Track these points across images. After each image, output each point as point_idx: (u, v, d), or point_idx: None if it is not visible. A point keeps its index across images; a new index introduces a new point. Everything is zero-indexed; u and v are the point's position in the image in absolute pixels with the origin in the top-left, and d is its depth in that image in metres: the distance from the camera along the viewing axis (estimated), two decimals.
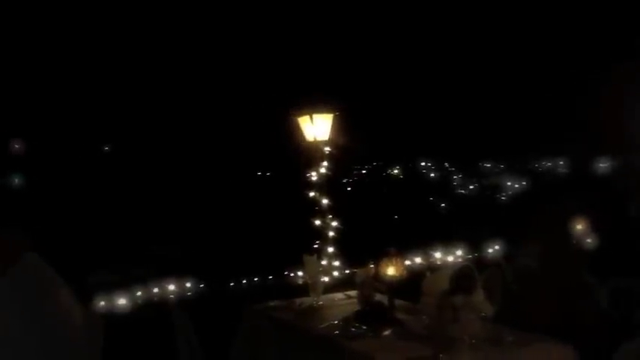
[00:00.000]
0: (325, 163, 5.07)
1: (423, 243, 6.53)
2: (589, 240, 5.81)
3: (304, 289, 4.73)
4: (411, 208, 19.64)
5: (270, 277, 5.38)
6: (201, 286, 5.58)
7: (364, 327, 3.78)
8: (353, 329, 3.79)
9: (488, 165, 31.19)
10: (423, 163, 31.58)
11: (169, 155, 17.91)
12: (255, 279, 5.74)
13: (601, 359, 3.31)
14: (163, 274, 5.68)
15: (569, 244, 5.57)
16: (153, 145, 18.15)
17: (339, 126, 5.24)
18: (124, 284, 5.29)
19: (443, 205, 24.27)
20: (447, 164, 31.45)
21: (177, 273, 5.69)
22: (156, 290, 5.39)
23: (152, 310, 5.15)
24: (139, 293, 5.26)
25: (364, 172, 29.88)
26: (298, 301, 4.55)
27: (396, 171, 30.47)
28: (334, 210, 5.13)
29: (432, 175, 31.51)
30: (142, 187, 15.27)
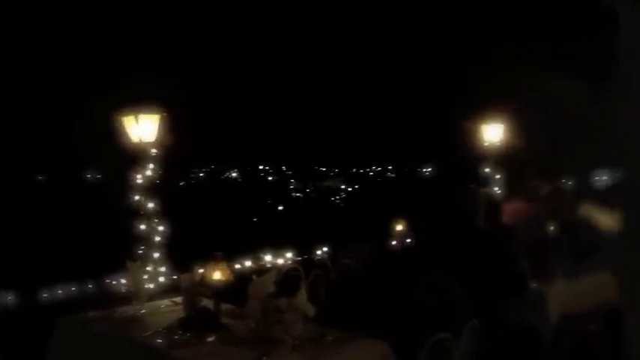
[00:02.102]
0: (152, 166, 4.87)
1: (256, 246, 6.56)
2: (408, 239, 6.24)
3: (128, 297, 4.51)
4: (248, 211, 19.70)
5: (90, 285, 5.06)
6: (9, 298, 5.08)
7: (188, 334, 3.69)
8: (176, 337, 3.67)
9: (324, 169, 32.33)
10: (261, 167, 31.90)
11: None
12: (73, 288, 5.36)
13: (413, 350, 3.53)
14: None
15: (389, 244, 5.92)
16: None
17: (173, 127, 5.08)
18: None
19: (280, 207, 24.67)
20: (284, 168, 32.06)
21: None
22: None
23: None
24: None
25: (202, 174, 29.46)
26: (120, 310, 4.32)
27: (234, 174, 30.46)
28: (162, 214, 4.96)
29: (270, 178, 31.95)
30: None
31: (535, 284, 4.65)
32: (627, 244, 1.45)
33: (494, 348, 4.10)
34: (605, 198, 5.70)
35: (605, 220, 4.96)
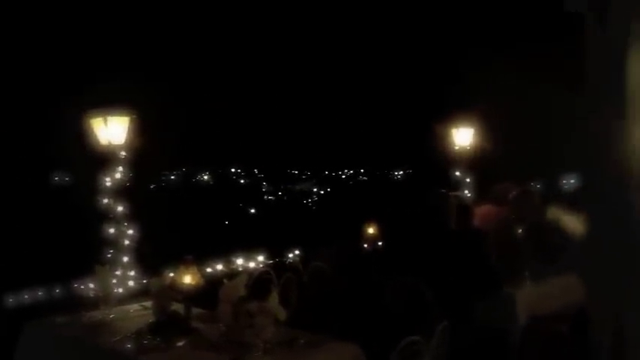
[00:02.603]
0: (121, 168, 4.80)
1: (227, 249, 6.51)
2: (380, 242, 6.26)
3: (96, 302, 4.43)
4: (220, 214, 19.58)
5: (57, 289, 4.96)
6: None
7: (158, 339, 3.64)
8: (145, 342, 3.63)
9: (296, 172, 32.32)
10: (233, 170, 31.75)
11: None
12: (40, 292, 5.24)
13: (384, 352, 3.54)
14: None
15: (361, 247, 5.94)
16: None
17: (143, 130, 5.02)
18: None
19: (252, 210, 24.58)
20: (256, 171, 31.97)
21: None
22: None
23: None
24: None
25: (173, 177, 29.21)
26: (88, 314, 4.25)
27: (206, 177, 30.24)
28: (131, 217, 4.89)
29: (242, 181, 31.83)
30: None
31: (504, 286, 4.71)
32: (589, 245, 1.48)
33: (464, 350, 4.14)
34: (572, 201, 5.80)
35: (572, 222, 5.04)
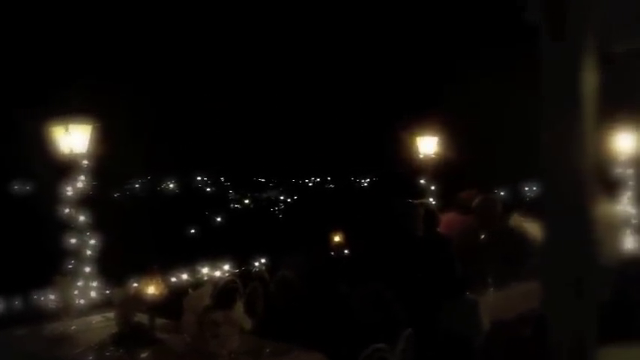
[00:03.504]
0: (83, 177, 4.72)
1: (193, 258, 6.44)
2: (346, 250, 6.28)
3: (57, 314, 4.35)
4: (185, 223, 19.37)
5: (17, 301, 4.83)
6: None
7: (121, 350, 3.60)
8: (108, 353, 3.57)
9: (262, 180, 32.22)
10: (199, 178, 31.48)
11: None
12: None
13: None
14: None
15: (327, 255, 5.95)
16: None
17: (107, 138, 4.94)
18: None
19: (218, 219, 24.39)
20: (222, 179, 31.76)
21: None
22: None
23: None
24: None
25: (137, 186, 28.81)
26: (49, 326, 4.16)
27: (171, 185, 29.91)
28: (94, 226, 4.80)
29: (209, 189, 31.58)
30: None
31: (468, 292, 4.77)
32: (545, 252, 1.52)
33: (429, 356, 4.17)
34: (533, 208, 5.91)
35: (534, 228, 5.14)
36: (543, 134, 1.47)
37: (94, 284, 4.65)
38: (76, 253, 4.62)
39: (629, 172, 6.58)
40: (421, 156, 7.26)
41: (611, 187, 5.92)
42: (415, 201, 5.63)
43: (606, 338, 1.61)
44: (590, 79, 1.48)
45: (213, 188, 31.05)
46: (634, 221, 6.23)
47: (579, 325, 1.46)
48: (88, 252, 4.69)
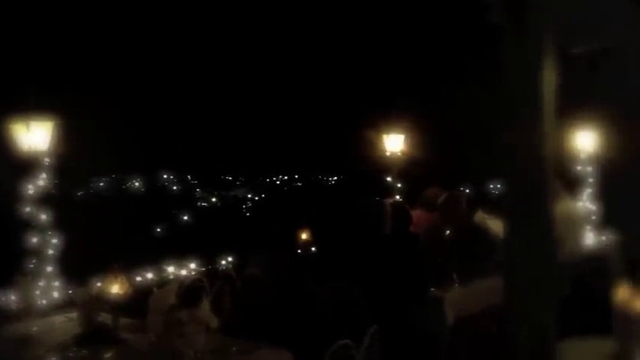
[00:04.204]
0: (44, 175, 4.62)
1: (158, 257, 6.36)
2: (313, 248, 6.29)
3: (18, 314, 4.26)
4: (151, 221, 19.16)
5: None
6: None
7: (84, 350, 3.54)
8: (71, 354, 3.52)
9: (230, 178, 32.03)
10: (165, 176, 31.14)
11: None
12: None
13: (316, 357, 3.55)
14: None
15: (294, 253, 5.95)
16: None
17: (70, 135, 4.85)
18: None
19: (185, 217, 24.17)
20: (189, 177, 31.47)
21: None
22: None
23: None
24: None
25: (102, 184, 28.37)
26: (9, 327, 4.07)
27: (137, 183, 29.52)
28: (56, 225, 4.70)
29: (175, 187, 31.25)
30: None
31: (433, 288, 4.82)
32: (506, 248, 1.55)
33: (395, 352, 4.21)
34: (497, 205, 6.00)
35: (497, 225, 5.21)
36: (504, 133, 1.49)
37: (56, 284, 4.56)
38: (38, 253, 4.52)
39: (589, 169, 6.76)
40: (388, 154, 7.31)
41: (571, 184, 6.07)
42: (387, 199, 5.67)
43: (566, 332, 1.65)
44: (550, 79, 1.52)
45: (180, 186, 30.74)
46: (593, 217, 6.40)
47: (539, 319, 1.49)
48: (50, 251, 4.59)
